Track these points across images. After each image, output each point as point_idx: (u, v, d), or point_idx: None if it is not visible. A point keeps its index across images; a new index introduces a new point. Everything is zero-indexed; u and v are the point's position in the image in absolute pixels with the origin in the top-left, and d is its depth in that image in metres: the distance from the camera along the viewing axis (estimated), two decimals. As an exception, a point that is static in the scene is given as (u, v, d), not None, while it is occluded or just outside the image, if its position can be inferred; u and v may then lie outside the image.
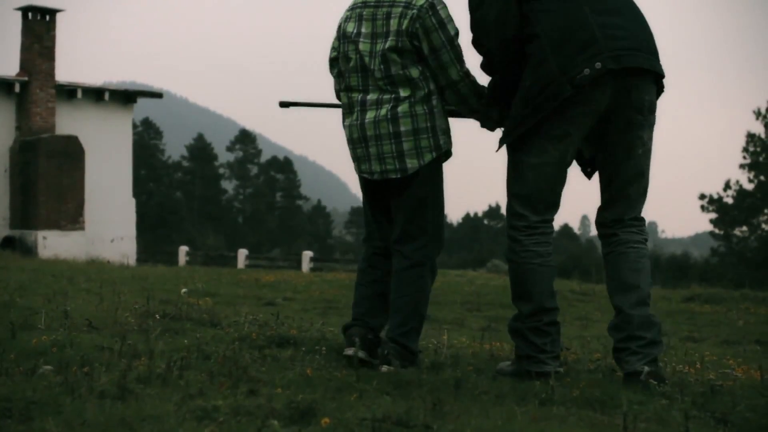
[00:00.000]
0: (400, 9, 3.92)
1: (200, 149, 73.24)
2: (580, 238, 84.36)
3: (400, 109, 3.93)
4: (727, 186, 49.89)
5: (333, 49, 4.17)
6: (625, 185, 3.86)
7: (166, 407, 2.89)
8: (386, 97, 3.95)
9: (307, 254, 28.18)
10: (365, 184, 4.20)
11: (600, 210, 3.97)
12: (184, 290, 7.95)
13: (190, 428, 2.68)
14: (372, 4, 4.00)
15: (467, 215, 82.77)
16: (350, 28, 4.04)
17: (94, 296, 7.25)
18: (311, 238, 71.43)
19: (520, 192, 3.87)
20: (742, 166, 50.01)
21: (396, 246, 4.13)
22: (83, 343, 4.15)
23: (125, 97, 26.32)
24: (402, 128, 3.94)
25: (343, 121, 4.16)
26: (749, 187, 49.66)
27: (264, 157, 78.66)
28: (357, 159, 4.10)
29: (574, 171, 4.02)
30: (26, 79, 24.13)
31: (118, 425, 2.67)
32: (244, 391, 3.21)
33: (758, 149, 49.39)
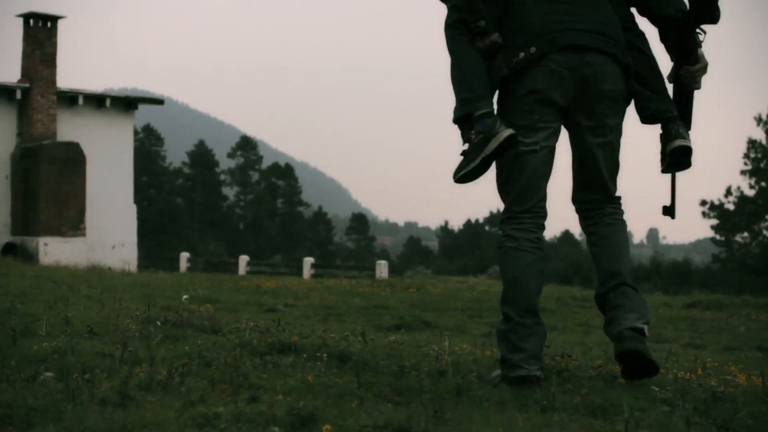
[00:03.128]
0: None
1: (201, 156, 73.29)
2: (581, 245, 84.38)
3: None
4: (728, 192, 49.92)
5: None
6: (597, 170, 3.81)
7: (167, 414, 2.89)
8: None
9: (308, 261, 28.17)
10: None
11: (574, 191, 3.94)
12: (185, 297, 7.95)
13: (191, 435, 2.68)
14: None
15: (468, 221, 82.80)
16: None
17: (95, 303, 7.25)
18: (312, 245, 71.48)
19: (506, 188, 3.77)
20: (743, 173, 50.06)
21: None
22: (84, 350, 4.14)
23: (126, 103, 26.35)
24: None
25: None
26: (750, 193, 49.72)
27: (265, 164, 78.75)
28: None
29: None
30: (27, 85, 24.16)
31: (119, 432, 2.67)
32: (245, 398, 3.21)
33: (759, 155, 49.44)
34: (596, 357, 5.30)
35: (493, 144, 3.57)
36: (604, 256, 3.89)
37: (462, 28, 3.77)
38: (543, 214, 3.77)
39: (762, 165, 49.36)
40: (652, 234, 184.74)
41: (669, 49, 3.92)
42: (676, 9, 3.80)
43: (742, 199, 49.51)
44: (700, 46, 3.87)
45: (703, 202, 50.23)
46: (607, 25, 3.66)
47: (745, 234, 50.16)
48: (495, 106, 3.71)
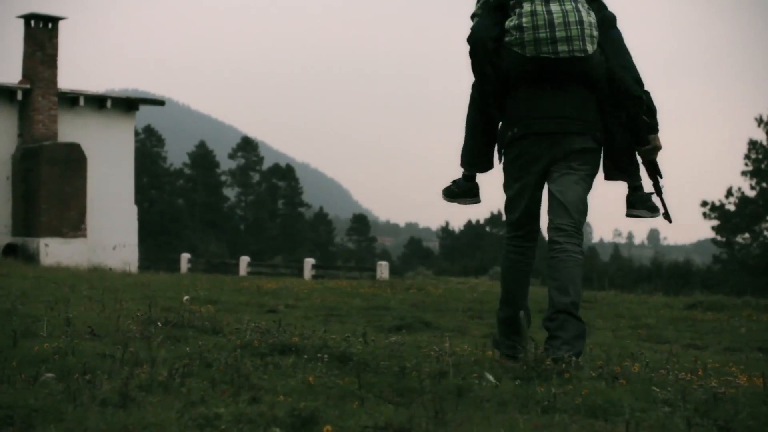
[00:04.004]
0: None
1: (202, 156, 73.30)
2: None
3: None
4: (729, 193, 49.88)
5: None
6: (562, 200, 4.62)
7: (168, 415, 2.89)
8: None
9: (309, 261, 28.18)
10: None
11: (549, 220, 4.73)
12: (186, 297, 7.94)
13: (192, 436, 2.68)
14: None
15: (469, 222, 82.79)
16: None
17: (96, 304, 7.25)
18: (313, 246, 71.44)
19: (507, 216, 4.83)
20: (744, 173, 50.03)
21: None
22: (85, 351, 4.15)
23: (127, 104, 26.35)
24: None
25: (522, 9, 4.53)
26: (751, 194, 49.67)
27: (266, 165, 78.73)
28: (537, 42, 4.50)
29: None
30: (28, 86, 24.17)
31: (119, 433, 2.67)
32: (246, 399, 3.21)
33: (760, 156, 49.41)
34: (597, 358, 5.30)
35: (455, 201, 5.10)
36: (555, 287, 4.51)
37: (476, 103, 4.83)
38: (534, 237, 4.78)
39: (763, 166, 49.32)
40: (653, 235, 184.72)
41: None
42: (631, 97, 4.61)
43: (743, 200, 49.48)
44: (653, 133, 4.68)
45: (704, 203, 50.20)
46: (578, 109, 4.55)
47: (746, 235, 50.10)
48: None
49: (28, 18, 24.53)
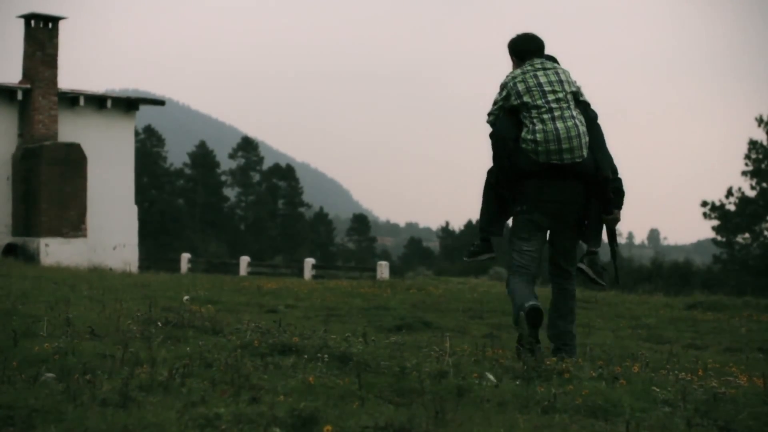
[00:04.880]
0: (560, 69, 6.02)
1: (202, 156, 73.34)
2: (581, 247, 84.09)
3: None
4: (729, 193, 49.89)
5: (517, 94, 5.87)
6: (564, 255, 6.04)
7: (168, 415, 2.89)
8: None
9: (309, 261, 28.17)
10: None
11: (549, 262, 6.11)
12: (186, 298, 7.94)
13: (192, 436, 2.68)
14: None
15: (469, 222, 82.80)
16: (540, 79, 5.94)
17: (96, 304, 7.25)
18: (313, 246, 71.48)
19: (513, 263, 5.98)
20: (744, 173, 50.03)
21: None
22: (85, 351, 4.15)
23: (127, 104, 26.35)
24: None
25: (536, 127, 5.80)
26: (751, 194, 49.67)
27: (266, 165, 78.76)
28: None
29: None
30: (29, 86, 24.16)
31: (120, 433, 2.67)
32: (246, 399, 3.21)
33: (760, 156, 49.41)
34: (597, 358, 5.30)
35: (475, 259, 6.30)
36: (559, 309, 5.93)
37: (491, 187, 6.06)
38: (534, 259, 5.93)
39: (763, 166, 49.33)
40: (653, 235, 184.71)
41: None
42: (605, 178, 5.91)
43: (743, 200, 49.48)
44: (618, 208, 6.03)
45: (704, 203, 50.22)
46: (572, 195, 5.88)
47: (746, 235, 50.10)
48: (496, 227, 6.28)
49: (28, 18, 24.53)
